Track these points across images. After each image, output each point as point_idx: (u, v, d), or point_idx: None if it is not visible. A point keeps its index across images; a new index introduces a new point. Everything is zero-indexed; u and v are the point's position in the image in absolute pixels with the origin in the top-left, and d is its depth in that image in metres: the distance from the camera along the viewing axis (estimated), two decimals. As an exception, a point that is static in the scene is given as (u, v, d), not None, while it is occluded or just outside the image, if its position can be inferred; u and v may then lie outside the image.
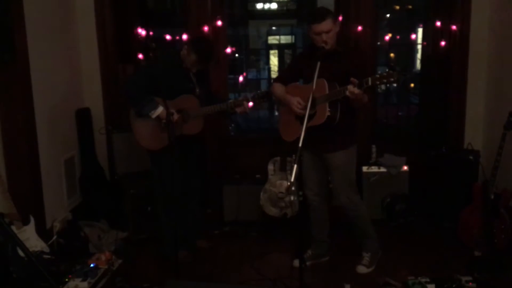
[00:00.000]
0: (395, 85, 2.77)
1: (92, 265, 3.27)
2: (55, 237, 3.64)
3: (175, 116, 3.30)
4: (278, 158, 4.04)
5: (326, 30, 3.02)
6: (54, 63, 3.93)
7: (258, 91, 3.61)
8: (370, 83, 2.81)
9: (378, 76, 2.79)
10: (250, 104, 3.49)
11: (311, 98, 2.80)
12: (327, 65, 2.97)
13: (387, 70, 2.77)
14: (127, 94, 3.44)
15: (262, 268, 3.49)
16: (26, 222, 3.16)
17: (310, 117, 3.01)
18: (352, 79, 2.87)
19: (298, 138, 2.66)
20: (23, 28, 3.37)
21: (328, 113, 3.04)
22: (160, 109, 3.30)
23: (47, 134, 3.74)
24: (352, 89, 2.85)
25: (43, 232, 3.44)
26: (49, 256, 3.15)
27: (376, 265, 3.46)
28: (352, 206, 3.37)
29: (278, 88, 3.35)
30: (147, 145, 3.44)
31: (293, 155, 3.81)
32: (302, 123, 2.84)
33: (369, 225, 3.45)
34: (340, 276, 3.35)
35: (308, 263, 3.48)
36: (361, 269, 3.41)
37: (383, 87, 5.62)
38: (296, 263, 3.29)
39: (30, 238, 3.14)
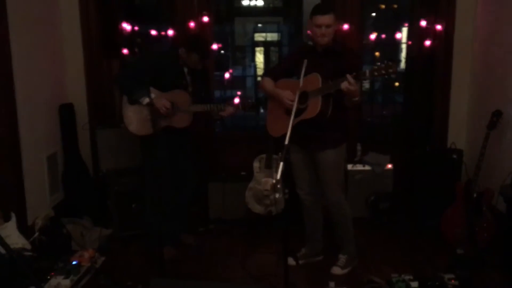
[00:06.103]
0: (393, 76, 2.77)
1: (74, 263, 3.24)
2: (36, 234, 3.59)
3: (167, 104, 3.35)
4: (263, 156, 4.03)
5: (327, 24, 3.06)
6: (37, 57, 3.86)
7: (249, 100, 3.65)
8: (367, 75, 2.83)
9: (376, 67, 2.77)
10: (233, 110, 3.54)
11: (298, 91, 2.80)
12: (324, 62, 3.07)
13: (385, 61, 2.75)
14: (123, 77, 3.50)
15: (247, 266, 3.49)
16: (7, 219, 3.12)
17: (301, 111, 3.06)
18: (349, 74, 2.86)
19: (285, 134, 2.60)
20: (4, 21, 3.32)
21: (319, 107, 3.03)
22: (152, 96, 3.36)
23: (30, 130, 3.68)
24: (349, 79, 2.83)
25: (24, 229, 3.40)
26: (30, 253, 3.12)
27: (360, 262, 3.48)
28: (338, 206, 3.37)
29: (268, 83, 3.34)
30: (135, 130, 3.49)
31: (279, 153, 3.81)
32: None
33: (350, 228, 3.44)
34: (325, 274, 3.37)
35: (301, 262, 3.48)
36: (336, 270, 3.40)
37: (367, 85, 5.65)
38: (291, 261, 3.32)
39: (11, 235, 3.11)
